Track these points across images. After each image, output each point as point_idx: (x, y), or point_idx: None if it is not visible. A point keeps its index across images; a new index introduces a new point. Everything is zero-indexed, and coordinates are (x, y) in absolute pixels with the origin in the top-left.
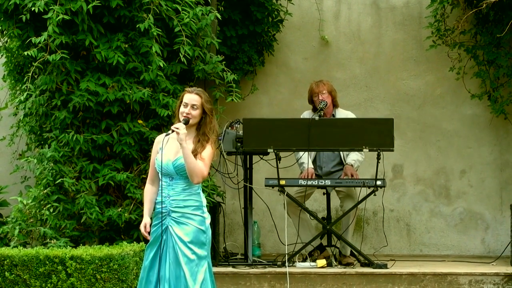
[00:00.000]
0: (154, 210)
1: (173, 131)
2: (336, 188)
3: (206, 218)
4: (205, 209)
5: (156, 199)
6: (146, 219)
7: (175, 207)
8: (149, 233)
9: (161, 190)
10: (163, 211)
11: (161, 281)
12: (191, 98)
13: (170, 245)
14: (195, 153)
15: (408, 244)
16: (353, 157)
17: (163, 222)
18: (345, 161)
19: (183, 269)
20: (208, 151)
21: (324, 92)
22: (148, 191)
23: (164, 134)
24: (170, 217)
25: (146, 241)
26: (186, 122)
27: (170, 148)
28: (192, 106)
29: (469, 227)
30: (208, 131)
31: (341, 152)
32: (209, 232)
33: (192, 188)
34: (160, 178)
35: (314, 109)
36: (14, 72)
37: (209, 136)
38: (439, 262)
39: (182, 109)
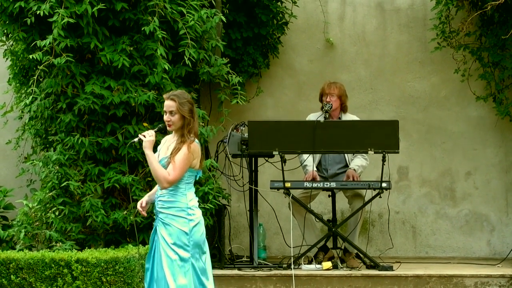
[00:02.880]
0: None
1: (139, 138)
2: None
3: (190, 220)
4: (192, 211)
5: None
6: (144, 199)
7: (161, 207)
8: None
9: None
10: (153, 211)
11: (153, 282)
12: (167, 104)
13: (158, 246)
14: (171, 155)
15: (414, 246)
16: (357, 163)
17: (154, 223)
18: (349, 164)
19: (164, 270)
20: (180, 154)
21: (333, 95)
22: (155, 188)
23: (166, 136)
24: (158, 218)
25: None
26: (159, 130)
27: (162, 149)
28: (170, 112)
29: (474, 229)
30: (186, 133)
31: (346, 155)
32: (195, 234)
33: (177, 189)
34: None
35: (322, 108)
36: (20, 75)
37: (186, 138)
38: (445, 264)
39: (164, 116)
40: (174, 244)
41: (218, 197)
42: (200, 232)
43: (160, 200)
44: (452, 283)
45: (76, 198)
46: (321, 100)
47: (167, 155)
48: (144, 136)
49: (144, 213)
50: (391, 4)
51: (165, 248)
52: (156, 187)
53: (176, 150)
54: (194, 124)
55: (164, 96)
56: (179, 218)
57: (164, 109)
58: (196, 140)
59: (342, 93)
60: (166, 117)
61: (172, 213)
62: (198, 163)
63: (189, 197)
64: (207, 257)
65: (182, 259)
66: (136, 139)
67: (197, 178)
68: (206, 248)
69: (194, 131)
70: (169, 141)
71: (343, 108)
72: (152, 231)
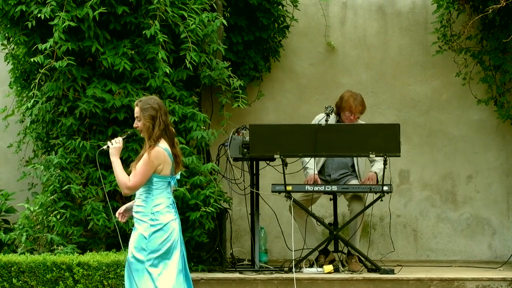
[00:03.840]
0: None
1: (107, 146)
2: None
3: (151, 225)
4: (155, 217)
5: None
6: (124, 205)
7: (134, 211)
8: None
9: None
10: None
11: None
12: (135, 111)
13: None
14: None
15: (415, 249)
16: (378, 166)
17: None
18: (357, 168)
19: (128, 269)
20: (141, 161)
21: (357, 115)
22: None
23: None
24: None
25: None
26: (128, 136)
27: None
28: (136, 118)
29: (476, 232)
30: (148, 139)
31: (355, 160)
32: (154, 240)
33: (147, 195)
34: None
35: (337, 114)
36: (21, 79)
37: (148, 144)
38: (446, 268)
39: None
40: (135, 247)
41: (220, 201)
42: (162, 239)
43: (134, 204)
44: (454, 287)
45: (77, 202)
46: (339, 109)
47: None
48: (112, 143)
49: (123, 220)
50: (392, 8)
51: (129, 249)
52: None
53: (139, 157)
54: (156, 130)
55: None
56: (143, 223)
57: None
58: (162, 145)
59: (364, 109)
60: (134, 124)
61: (138, 217)
62: (164, 169)
63: (155, 203)
64: (171, 264)
65: (138, 261)
66: (105, 146)
67: (172, 184)
68: (175, 256)
69: (155, 137)
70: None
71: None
72: None
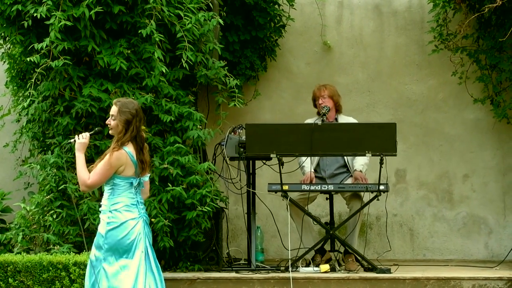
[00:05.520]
0: None
1: (74, 140)
2: None
3: (107, 223)
4: (112, 215)
5: None
6: None
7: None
8: None
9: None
10: None
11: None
12: (112, 109)
13: None
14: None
15: (411, 248)
16: (360, 162)
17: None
18: (348, 164)
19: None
20: (102, 161)
21: (325, 96)
22: None
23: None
24: None
25: None
26: (95, 133)
27: None
28: (111, 116)
29: (472, 232)
30: (115, 141)
31: (345, 160)
32: (110, 237)
33: (110, 194)
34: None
35: (318, 113)
36: (17, 78)
37: (114, 145)
38: (443, 267)
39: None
40: (94, 245)
41: (216, 200)
42: (118, 237)
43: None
44: (450, 286)
45: (73, 201)
46: (315, 106)
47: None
48: (78, 138)
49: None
50: (389, 7)
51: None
52: None
53: (103, 156)
54: (126, 136)
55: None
56: (102, 221)
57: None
58: (126, 148)
59: (333, 93)
60: (107, 120)
61: (100, 215)
62: (126, 170)
63: (115, 201)
64: (132, 264)
65: (96, 259)
66: (72, 140)
67: (136, 185)
68: (136, 255)
69: (122, 141)
70: None
71: (338, 108)
72: None
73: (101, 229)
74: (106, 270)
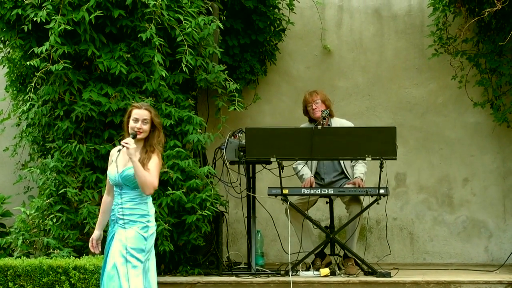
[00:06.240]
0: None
1: (123, 146)
2: None
3: (149, 226)
4: (151, 219)
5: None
6: (95, 233)
7: (122, 214)
8: (102, 248)
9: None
10: (113, 218)
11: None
12: (141, 114)
13: (111, 248)
14: (142, 164)
15: (411, 252)
16: (361, 170)
17: (113, 229)
18: (346, 172)
19: (118, 269)
20: (154, 162)
21: (317, 101)
22: (104, 202)
23: (117, 148)
24: (118, 224)
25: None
26: (134, 136)
27: (120, 160)
28: (143, 121)
29: (472, 235)
30: (155, 143)
31: (342, 163)
32: (151, 241)
33: (140, 197)
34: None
35: (310, 120)
36: (17, 82)
37: (155, 147)
38: (443, 271)
39: (132, 124)
40: (131, 247)
41: (216, 204)
42: (153, 240)
43: (121, 208)
44: None
45: (73, 205)
46: (305, 113)
47: (128, 166)
48: (127, 143)
49: (98, 250)
50: (388, 11)
51: (121, 250)
52: (105, 204)
53: (147, 159)
54: (161, 137)
55: (137, 104)
56: (140, 223)
57: (136, 116)
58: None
59: (324, 97)
60: (137, 125)
61: (134, 219)
62: None
63: (151, 206)
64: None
65: (138, 260)
66: (122, 147)
67: None
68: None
69: (162, 142)
70: (125, 152)
71: (330, 114)
72: (108, 237)
73: (141, 231)
74: (149, 271)
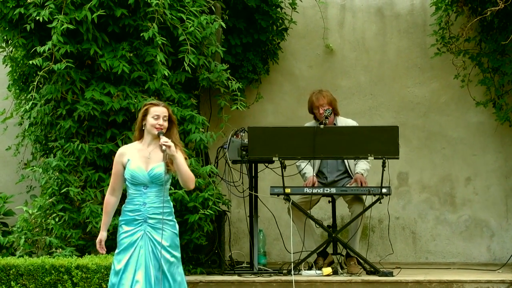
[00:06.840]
0: (125, 218)
1: (167, 146)
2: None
3: (176, 222)
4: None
5: (126, 208)
6: (102, 235)
7: (152, 213)
8: (106, 247)
9: (132, 198)
10: (138, 218)
11: (136, 285)
12: (161, 111)
13: (148, 250)
14: (170, 161)
15: (414, 251)
16: (362, 167)
17: (140, 228)
18: (350, 171)
19: (166, 272)
20: (182, 157)
21: (324, 105)
22: (109, 203)
23: (127, 146)
24: (147, 224)
25: (113, 248)
26: (160, 134)
27: (137, 158)
28: (163, 118)
29: (474, 235)
30: (177, 140)
31: (346, 162)
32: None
33: (164, 195)
34: (126, 187)
35: (316, 119)
36: (19, 81)
37: (177, 144)
38: (445, 270)
39: (152, 121)
40: (170, 246)
41: (218, 203)
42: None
43: (150, 207)
44: None
45: (76, 204)
46: (312, 113)
47: (154, 165)
48: (167, 142)
49: (105, 251)
50: (391, 10)
51: (162, 252)
52: (111, 205)
53: (176, 155)
54: (177, 132)
55: (154, 102)
56: (171, 222)
57: (157, 114)
58: None
59: (330, 99)
60: (159, 122)
61: (165, 218)
62: None
63: (171, 202)
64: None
65: (178, 259)
66: (166, 148)
67: None
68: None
69: (179, 139)
70: (142, 151)
71: (335, 112)
72: (131, 237)
73: (173, 229)
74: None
